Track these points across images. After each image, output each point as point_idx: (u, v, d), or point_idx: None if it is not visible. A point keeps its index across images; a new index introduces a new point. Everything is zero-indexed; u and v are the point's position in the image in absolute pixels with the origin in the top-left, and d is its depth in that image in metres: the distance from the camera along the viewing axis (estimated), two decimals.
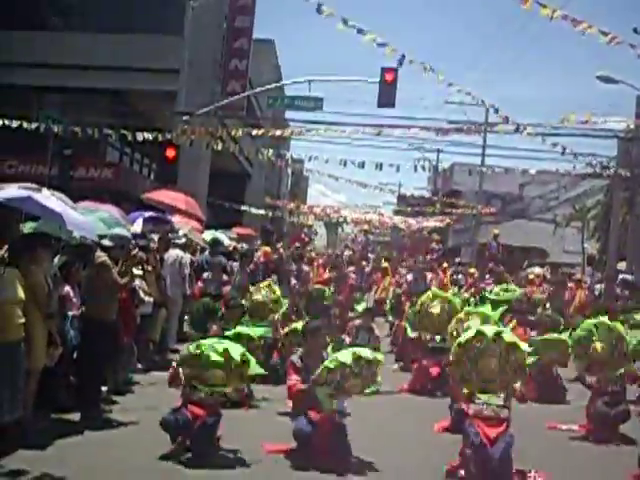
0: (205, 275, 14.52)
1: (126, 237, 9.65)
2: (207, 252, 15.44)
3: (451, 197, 49.04)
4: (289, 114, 39.98)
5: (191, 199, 18.37)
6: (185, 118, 23.12)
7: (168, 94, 26.14)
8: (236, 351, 7.89)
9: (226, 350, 7.80)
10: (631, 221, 28.76)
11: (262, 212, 40.99)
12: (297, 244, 26.84)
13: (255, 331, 10.85)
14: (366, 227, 41.70)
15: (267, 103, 28.53)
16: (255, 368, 7.99)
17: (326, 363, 7.86)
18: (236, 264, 15.81)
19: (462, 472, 7.47)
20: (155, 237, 13.01)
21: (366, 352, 8.08)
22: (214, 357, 7.75)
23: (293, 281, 17.36)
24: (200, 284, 14.33)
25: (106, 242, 9.16)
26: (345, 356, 7.89)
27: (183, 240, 14.77)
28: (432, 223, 39.94)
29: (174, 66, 26.33)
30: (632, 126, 26.34)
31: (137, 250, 10.14)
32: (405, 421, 10.09)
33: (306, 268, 19.16)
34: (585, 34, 13.15)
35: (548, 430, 9.93)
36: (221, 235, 17.87)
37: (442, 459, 7.82)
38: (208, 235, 17.15)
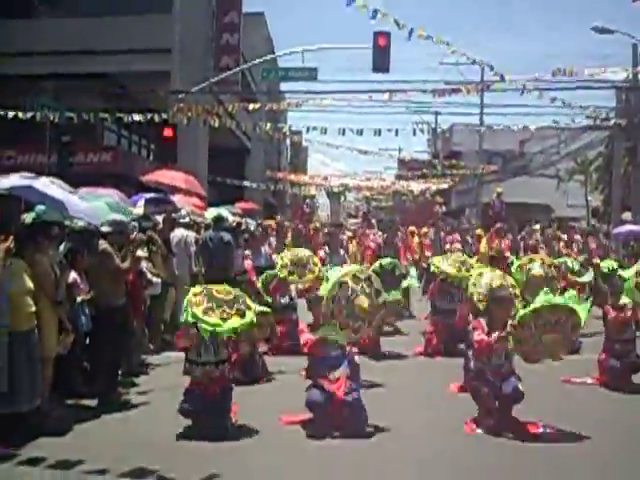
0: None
1: (123, 222, 9.61)
2: (211, 229, 15.37)
3: (452, 158, 48.85)
4: (284, 86, 39.83)
5: (191, 177, 18.29)
6: (180, 97, 23.03)
7: (161, 74, 26.01)
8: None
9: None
10: (633, 171, 28.68)
11: (263, 186, 40.91)
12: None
13: None
14: (368, 194, 41.64)
15: (261, 76, 28.43)
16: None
17: (326, 285, 7.95)
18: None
19: (478, 429, 7.62)
20: (159, 218, 13.00)
21: (359, 268, 8.33)
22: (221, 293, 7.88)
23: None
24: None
25: (104, 228, 9.13)
26: (343, 273, 8.08)
27: (187, 219, 14.75)
28: (434, 186, 39.84)
29: (165, 45, 26.19)
30: (630, 75, 26.18)
31: (137, 233, 10.14)
32: (421, 382, 10.13)
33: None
34: None
35: (562, 384, 9.96)
36: (224, 211, 17.80)
37: (458, 418, 7.87)
38: (211, 212, 17.08)
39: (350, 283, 8.09)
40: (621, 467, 6.66)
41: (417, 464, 6.70)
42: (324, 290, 8.12)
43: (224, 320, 7.61)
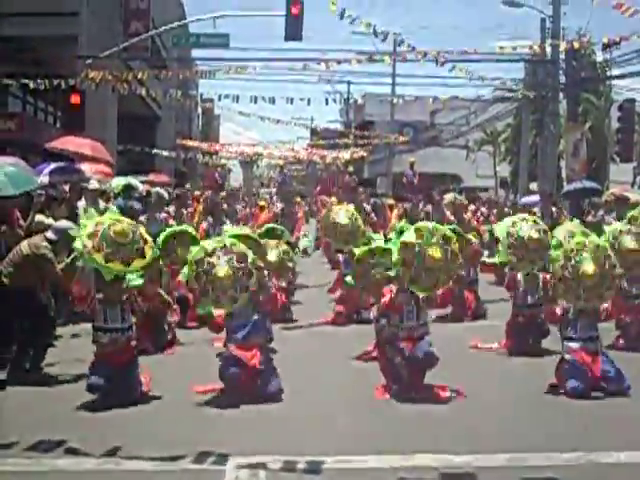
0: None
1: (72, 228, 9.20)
2: (120, 198, 15.07)
3: (364, 128, 49.15)
4: (195, 52, 39.27)
5: (98, 144, 17.82)
6: (88, 62, 22.46)
7: (69, 38, 25.22)
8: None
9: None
10: (540, 142, 29.35)
11: (174, 154, 40.40)
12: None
13: None
14: (281, 163, 41.55)
15: (172, 42, 27.94)
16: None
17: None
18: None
19: (387, 396, 7.74)
20: (67, 188, 12.69)
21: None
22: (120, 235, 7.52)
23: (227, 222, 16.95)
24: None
25: (50, 235, 8.77)
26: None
27: (96, 187, 14.43)
28: (347, 155, 40.01)
29: (73, 9, 25.40)
30: (538, 49, 26.74)
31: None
32: (330, 352, 10.19)
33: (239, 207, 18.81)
34: None
35: (470, 349, 10.17)
36: (134, 180, 17.50)
37: (365, 383, 7.98)
38: (121, 181, 16.76)
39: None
40: (521, 428, 6.84)
41: (323, 426, 6.76)
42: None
43: (127, 264, 7.46)
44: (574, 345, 8.07)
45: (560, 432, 6.78)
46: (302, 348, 10.13)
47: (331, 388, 8.11)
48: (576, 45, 22.99)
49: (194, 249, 7.65)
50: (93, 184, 14.15)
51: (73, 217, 12.15)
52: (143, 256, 7.56)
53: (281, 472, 5.78)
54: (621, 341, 10.33)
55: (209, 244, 7.73)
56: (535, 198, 17.78)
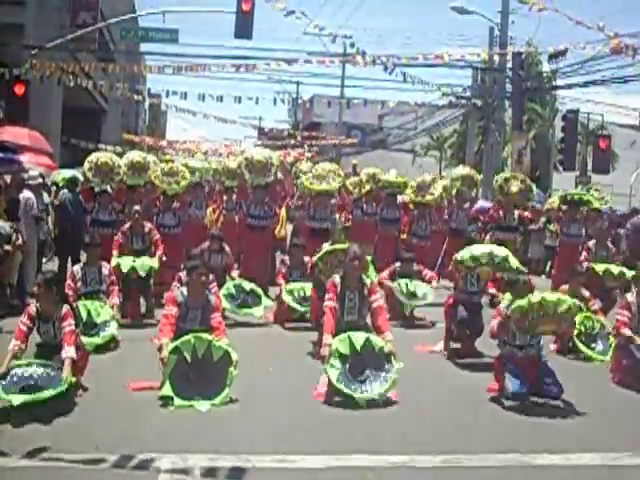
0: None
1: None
2: (66, 191, 14.80)
3: (312, 129, 49.21)
4: (144, 47, 38.81)
5: (37, 134, 17.49)
6: (34, 52, 22.10)
7: (15, 27, 24.80)
8: None
9: None
10: (485, 148, 29.72)
11: (119, 149, 39.90)
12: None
13: None
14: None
15: (120, 35, 27.60)
16: None
17: None
18: None
19: (323, 397, 7.71)
20: (8, 179, 12.46)
21: None
22: None
23: None
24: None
25: None
26: None
27: (39, 180, 14.19)
28: (293, 155, 39.96)
29: None
30: (486, 56, 27.10)
31: None
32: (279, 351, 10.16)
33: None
34: None
35: (416, 353, 10.21)
36: (78, 173, 17.24)
37: (310, 383, 7.99)
38: (67, 173, 16.48)
39: None
40: (457, 430, 6.92)
41: (260, 425, 6.75)
42: None
43: None
44: (513, 350, 8.22)
45: (496, 434, 6.88)
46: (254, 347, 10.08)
47: (271, 387, 8.11)
48: (522, 50, 23.32)
49: None
50: (36, 177, 13.93)
51: (14, 208, 11.96)
52: None
53: (214, 471, 5.75)
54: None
55: None
56: (486, 204, 17.93)
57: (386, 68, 20.84)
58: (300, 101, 54.70)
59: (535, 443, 6.60)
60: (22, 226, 12.09)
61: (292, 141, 44.64)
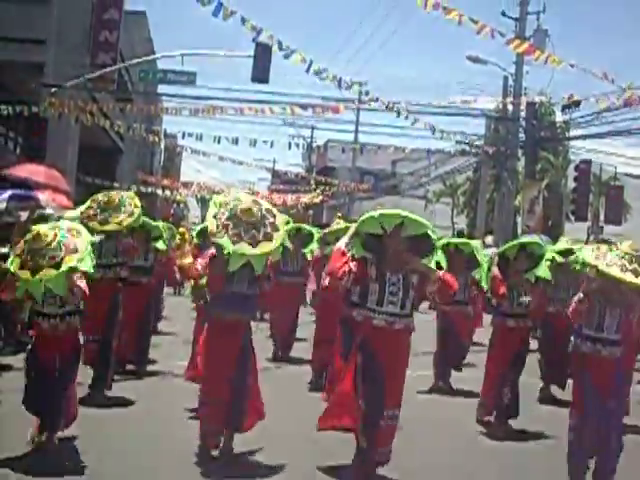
0: None
1: None
2: None
3: (325, 174, 49.46)
4: (161, 88, 39.26)
5: (54, 171, 17.62)
6: (53, 91, 22.39)
7: (35, 65, 25.13)
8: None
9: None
10: (498, 197, 29.81)
11: (134, 188, 40.15)
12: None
13: None
14: None
15: (139, 77, 27.94)
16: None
17: None
18: None
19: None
20: (24, 214, 12.56)
21: None
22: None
23: None
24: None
25: None
26: None
27: (55, 216, 14.30)
28: (306, 199, 40.25)
29: (41, 36, 25.33)
30: (500, 105, 27.33)
31: None
32: None
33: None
34: (456, 22, 13.68)
35: None
36: None
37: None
38: (72, 214, 16.52)
39: None
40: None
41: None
42: None
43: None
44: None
45: None
46: None
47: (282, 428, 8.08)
48: (537, 100, 23.48)
49: None
50: (51, 214, 14.02)
51: None
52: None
53: None
54: None
55: None
56: (490, 251, 17.86)
57: (398, 114, 20.99)
58: (314, 145, 55.04)
59: None
60: None
61: (305, 187, 44.87)
